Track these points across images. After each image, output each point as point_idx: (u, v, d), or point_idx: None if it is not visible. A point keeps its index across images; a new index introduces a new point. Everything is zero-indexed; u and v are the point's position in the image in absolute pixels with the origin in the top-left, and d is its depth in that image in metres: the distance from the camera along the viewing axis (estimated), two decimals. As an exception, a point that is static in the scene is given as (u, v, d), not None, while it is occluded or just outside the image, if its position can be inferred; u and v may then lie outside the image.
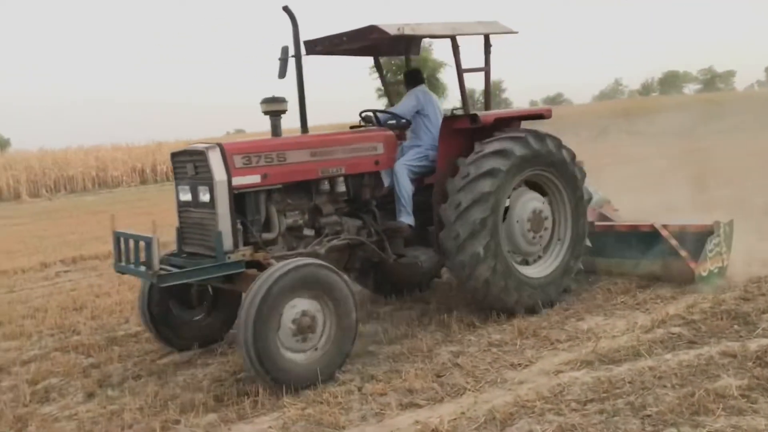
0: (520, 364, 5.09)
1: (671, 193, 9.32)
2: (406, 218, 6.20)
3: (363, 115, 6.78)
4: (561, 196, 6.57)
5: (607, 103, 65.49)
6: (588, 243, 6.70)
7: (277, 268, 4.87)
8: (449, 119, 6.36)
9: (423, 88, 6.76)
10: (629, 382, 4.53)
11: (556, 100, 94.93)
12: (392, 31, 5.76)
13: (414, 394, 4.69)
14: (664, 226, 6.71)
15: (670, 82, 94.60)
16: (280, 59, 6.00)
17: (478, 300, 6.22)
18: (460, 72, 6.29)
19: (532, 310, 6.20)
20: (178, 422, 4.53)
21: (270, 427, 4.34)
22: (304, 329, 4.90)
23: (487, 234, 5.87)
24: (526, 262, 6.46)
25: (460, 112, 6.37)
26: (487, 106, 6.72)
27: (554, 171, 6.41)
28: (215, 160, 5.31)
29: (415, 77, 6.83)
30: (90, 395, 5.24)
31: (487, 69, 6.54)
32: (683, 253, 6.55)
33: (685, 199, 8.87)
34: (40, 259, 11.59)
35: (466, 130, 6.27)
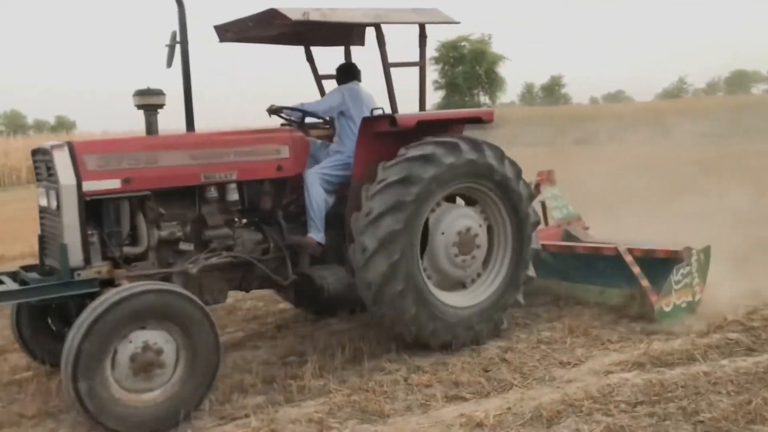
0: (569, 363, 5.02)
1: (713, 201, 9.02)
2: (316, 234, 5.40)
3: (273, 108, 5.81)
4: (501, 217, 5.67)
5: (669, 102, 63.84)
6: (532, 273, 5.82)
7: (110, 296, 4.14)
8: (368, 121, 5.47)
9: (353, 85, 5.88)
10: (682, 387, 4.42)
11: (617, 96, 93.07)
12: (294, 16, 5.00)
13: (460, 387, 4.68)
14: (630, 250, 5.96)
15: (738, 81, 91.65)
16: (167, 46, 5.28)
17: (386, 328, 5.40)
18: (387, 67, 5.47)
19: (448, 346, 5.35)
20: (228, 401, 4.62)
21: (316, 411, 4.39)
22: (146, 367, 4.18)
23: (397, 250, 5.02)
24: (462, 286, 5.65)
25: (379, 112, 5.54)
26: (421, 106, 5.82)
27: (492, 186, 5.51)
28: (62, 161, 4.59)
29: (346, 72, 6.01)
30: (143, 371, 5.36)
31: (422, 63, 5.72)
32: (644, 283, 5.76)
33: (730, 206, 8.54)
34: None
35: (389, 135, 5.38)
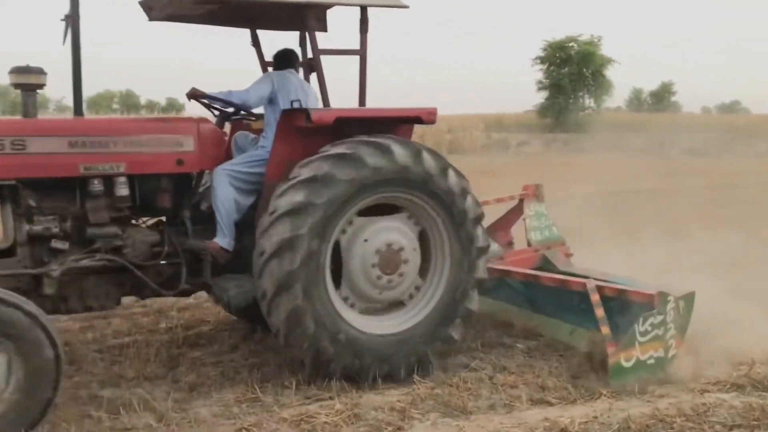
0: (662, 378, 4.83)
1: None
2: (221, 239, 4.81)
3: (193, 93, 5.00)
4: (440, 238, 4.91)
5: (790, 116, 60.13)
6: (474, 307, 4.98)
7: None
8: (288, 114, 4.79)
9: (286, 73, 5.20)
10: (786, 414, 4.18)
11: (732, 107, 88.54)
12: None
13: (546, 391, 4.60)
14: (600, 288, 5.06)
15: None
16: (62, 20, 4.70)
17: (280, 344, 4.74)
18: (317, 54, 4.76)
19: (356, 378, 4.63)
20: (313, 382, 4.69)
21: (398, 400, 4.42)
22: None
23: (295, 258, 4.35)
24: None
25: (297, 105, 4.96)
26: (360, 101, 5.08)
27: (430, 200, 4.76)
28: None
29: (282, 59, 5.32)
30: (234, 347, 5.56)
31: (362, 52, 4.96)
32: (604, 330, 4.82)
33: None
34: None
35: (312, 132, 4.67)
